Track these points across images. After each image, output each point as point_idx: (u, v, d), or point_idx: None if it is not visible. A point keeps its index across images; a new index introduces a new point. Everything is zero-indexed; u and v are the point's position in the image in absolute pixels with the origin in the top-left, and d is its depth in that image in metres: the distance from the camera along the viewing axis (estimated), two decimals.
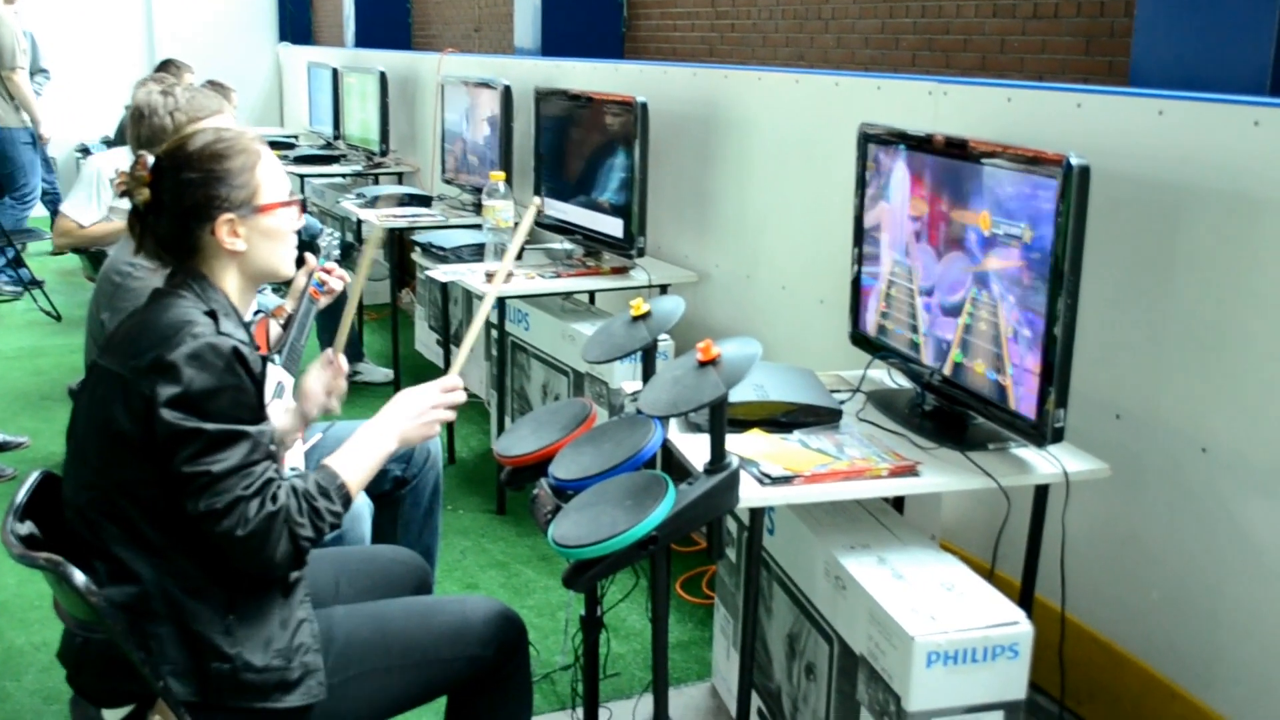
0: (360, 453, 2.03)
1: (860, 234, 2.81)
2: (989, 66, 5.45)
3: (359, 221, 5.71)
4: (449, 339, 5.34)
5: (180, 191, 1.96)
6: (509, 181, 5.20)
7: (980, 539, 3.04)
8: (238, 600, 1.90)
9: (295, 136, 9.08)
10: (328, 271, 3.08)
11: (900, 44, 6.10)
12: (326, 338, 5.60)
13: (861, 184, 2.78)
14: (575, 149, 4.40)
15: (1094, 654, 2.72)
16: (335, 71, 7.85)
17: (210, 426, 1.79)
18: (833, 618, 2.29)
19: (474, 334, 2.37)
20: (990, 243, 2.31)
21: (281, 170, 2.09)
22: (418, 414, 2.13)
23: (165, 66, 6.41)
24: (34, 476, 2.07)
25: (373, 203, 5.71)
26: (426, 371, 5.68)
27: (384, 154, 7.05)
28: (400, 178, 7.17)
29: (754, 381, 2.55)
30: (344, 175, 7.26)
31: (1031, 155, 2.19)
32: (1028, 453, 2.35)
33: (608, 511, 2.00)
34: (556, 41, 8.44)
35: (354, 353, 5.66)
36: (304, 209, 2.14)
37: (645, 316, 2.44)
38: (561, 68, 5.52)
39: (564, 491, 2.17)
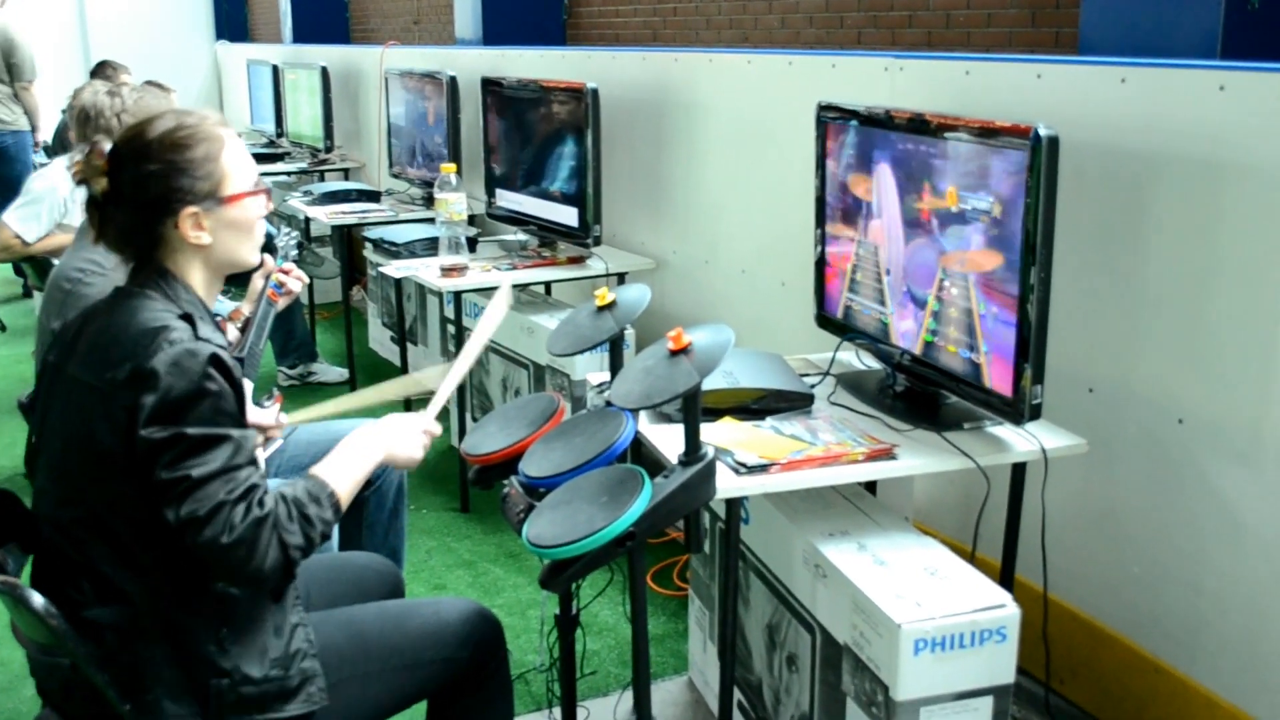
0: (348, 462, 1.93)
1: (822, 215, 2.76)
2: (935, 42, 5.42)
3: (307, 219, 5.59)
4: (404, 335, 5.24)
5: (140, 183, 1.83)
6: (459, 173, 5.12)
7: (953, 519, 3.00)
8: (229, 612, 1.81)
9: (238, 134, 8.91)
10: (285, 272, 2.99)
11: (846, 22, 6.05)
12: (279, 339, 5.50)
13: (821, 164, 2.73)
14: (525, 138, 4.31)
15: (1075, 632, 2.69)
16: (275, 68, 7.71)
17: (191, 430, 1.69)
18: (814, 607, 2.24)
19: (457, 378, 2.30)
20: (958, 218, 2.26)
21: (247, 154, 1.96)
22: (407, 435, 2.06)
23: (101, 69, 6.26)
24: None
25: (322, 200, 5.60)
26: (382, 369, 5.59)
27: (329, 150, 6.93)
28: (346, 173, 7.05)
29: (724, 369, 2.49)
30: (289, 173, 7.12)
31: (996, 128, 2.14)
32: (1003, 430, 2.31)
33: (583, 509, 1.93)
34: (498, 31, 8.33)
35: (307, 353, 5.55)
36: (270, 196, 2.03)
37: (611, 306, 2.37)
38: (507, 56, 5.43)
39: (536, 489, 2.10)
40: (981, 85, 2.77)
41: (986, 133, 2.17)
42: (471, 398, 4.45)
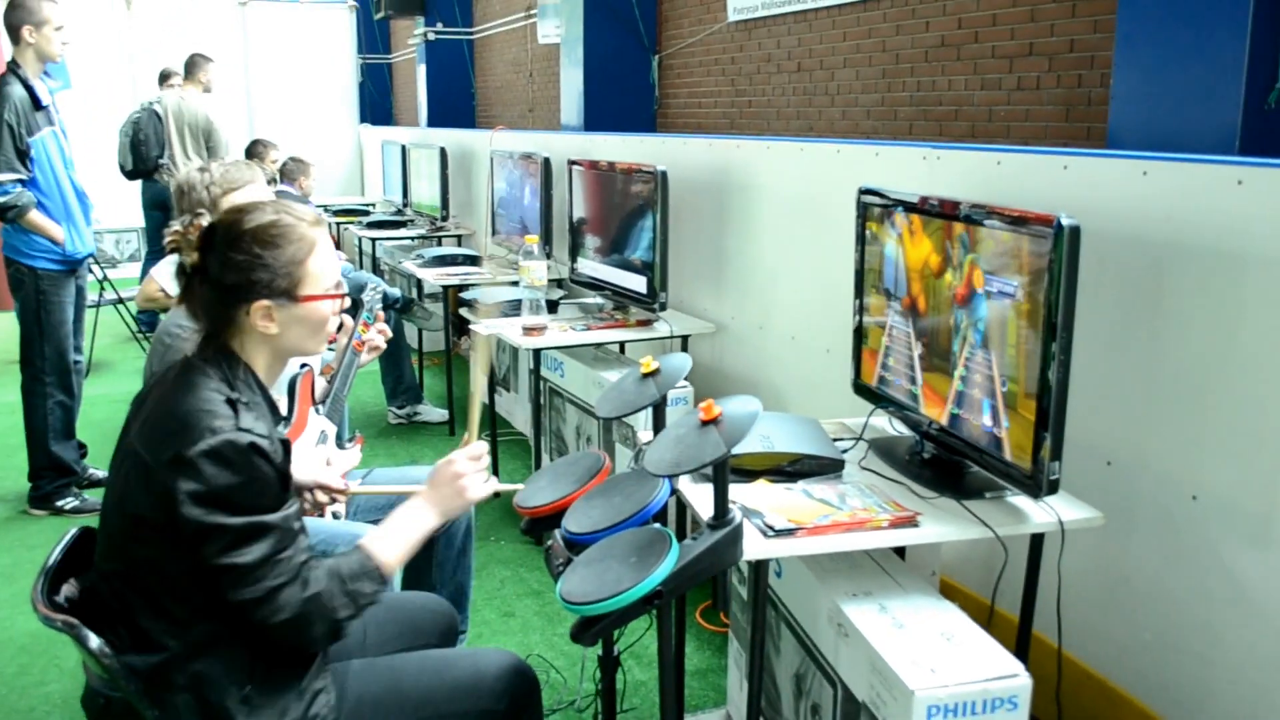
0: (400, 532, 1.81)
1: (860, 288, 2.57)
2: (978, 134, 5.22)
3: (419, 280, 5.53)
4: (495, 383, 5.14)
5: (225, 267, 1.71)
6: (548, 242, 5.02)
7: (978, 574, 2.77)
8: (258, 670, 1.67)
9: (372, 204, 8.96)
10: (368, 327, 2.87)
11: (898, 115, 5.87)
12: (389, 382, 5.42)
13: (861, 241, 2.54)
14: (604, 213, 4.18)
15: (1088, 689, 2.44)
16: (404, 148, 7.72)
17: (233, 521, 1.56)
18: (836, 663, 2.03)
19: (476, 406, 2.13)
20: (983, 299, 2.06)
21: (333, 258, 1.82)
22: (452, 488, 1.90)
23: (254, 146, 6.28)
24: (71, 533, 1.85)
25: (432, 263, 5.54)
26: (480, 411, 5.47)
27: (444, 219, 6.89)
28: (459, 240, 7.00)
29: (760, 432, 2.31)
30: (411, 238, 7.10)
31: (1022, 216, 1.94)
32: (1023, 500, 2.09)
33: (613, 568, 1.76)
34: (597, 119, 8.31)
35: (414, 395, 5.47)
36: (344, 303, 1.88)
37: (654, 373, 2.20)
38: (595, 141, 5.32)
39: (575, 544, 1.94)
40: (1012, 175, 2.57)
41: (1013, 220, 1.97)
42: (550, 441, 4.30)
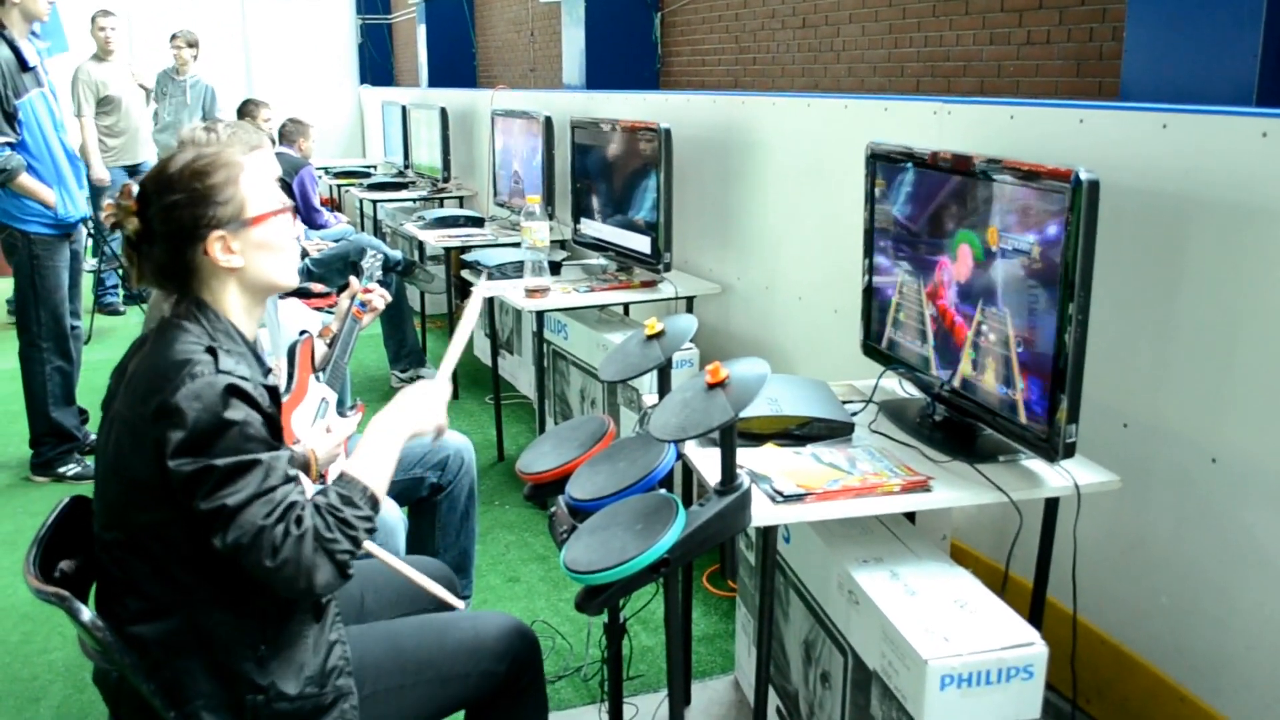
0: (375, 452, 1.70)
1: (870, 247, 2.50)
2: (987, 90, 5.11)
3: (420, 242, 5.46)
4: (498, 345, 5.09)
5: (167, 215, 1.64)
6: (551, 203, 4.94)
7: (991, 539, 2.72)
8: (269, 629, 1.63)
9: (373, 166, 8.87)
10: (369, 291, 2.82)
11: (906, 71, 5.76)
12: (392, 345, 5.37)
13: (871, 199, 2.47)
14: (606, 173, 4.10)
15: (1103, 654, 2.40)
16: (404, 109, 7.62)
17: (219, 461, 1.51)
18: (847, 631, 1.99)
19: (459, 342, 2.04)
20: (998, 256, 2.00)
21: (270, 179, 1.76)
22: (425, 406, 1.80)
23: (245, 106, 6.19)
24: (64, 503, 1.81)
25: (433, 225, 5.47)
26: (482, 374, 5.43)
27: (446, 180, 6.80)
28: (461, 201, 6.92)
29: (768, 395, 2.26)
30: (412, 200, 7.01)
31: (1038, 170, 1.87)
32: (1038, 464, 2.03)
33: (618, 536, 1.72)
34: (600, 78, 8.19)
35: (417, 359, 5.41)
36: (296, 215, 1.82)
37: (659, 335, 2.15)
38: (597, 99, 5.24)
39: (579, 511, 1.89)
40: (1025, 129, 2.49)
41: (1028, 175, 1.90)
42: (554, 405, 4.25)
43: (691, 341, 3.71)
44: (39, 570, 1.66)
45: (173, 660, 1.60)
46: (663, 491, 1.84)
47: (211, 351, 1.58)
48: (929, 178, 2.22)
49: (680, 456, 2.08)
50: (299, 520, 1.54)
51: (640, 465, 1.91)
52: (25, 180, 4.00)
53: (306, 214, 6.17)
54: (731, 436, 1.76)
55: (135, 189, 1.70)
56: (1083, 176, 1.76)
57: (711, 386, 1.76)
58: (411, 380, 5.37)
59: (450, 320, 5.57)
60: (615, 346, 2.25)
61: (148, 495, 1.55)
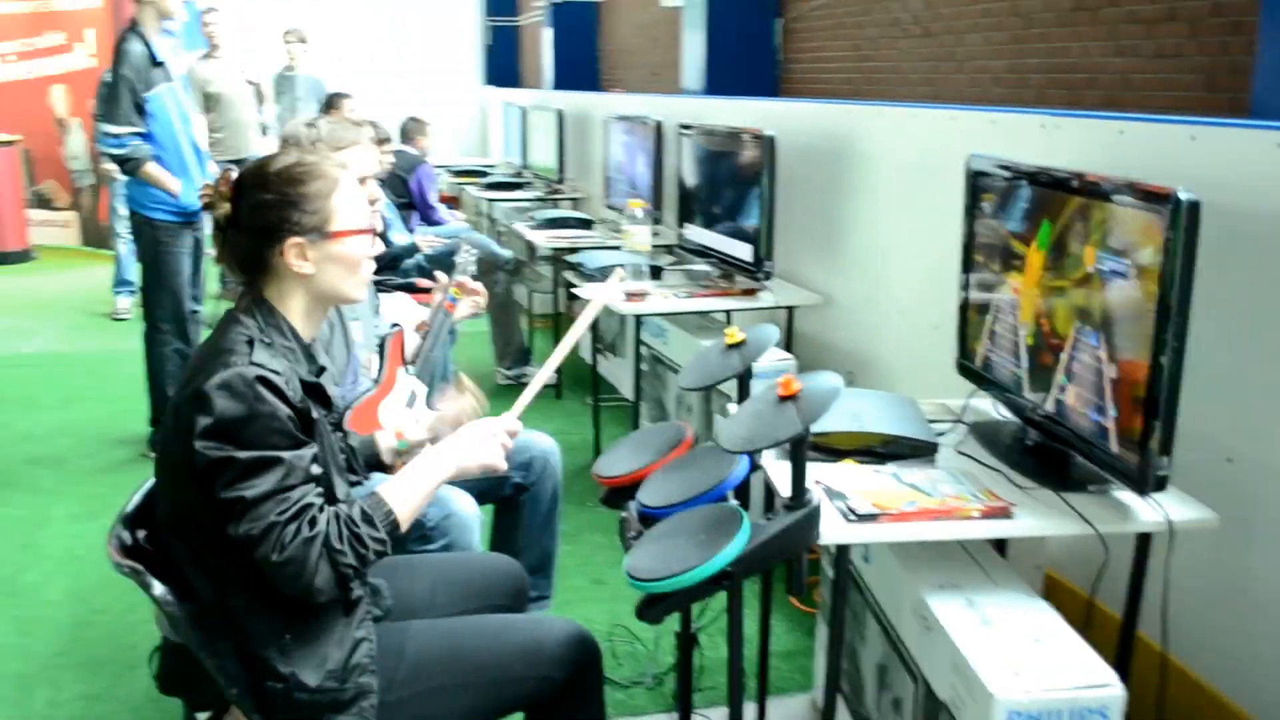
0: (414, 481, 1.75)
1: (968, 262, 2.43)
2: (1112, 103, 4.94)
3: (530, 242, 5.53)
4: (600, 348, 5.11)
5: (255, 211, 1.72)
6: (659, 207, 4.94)
7: (1088, 572, 2.61)
8: (295, 620, 1.67)
9: (492, 166, 9.01)
10: (460, 286, 2.85)
11: (1029, 83, 5.61)
12: (499, 343, 5.43)
13: (970, 214, 2.40)
14: (712, 178, 4.08)
15: (1198, 701, 2.28)
16: (523, 110, 7.72)
17: (241, 454, 1.56)
18: (919, 658, 1.93)
19: (536, 386, 2.06)
20: (1094, 278, 1.91)
21: (361, 198, 1.82)
22: (480, 444, 1.84)
23: (331, 100, 6.37)
24: (146, 485, 1.88)
25: (543, 225, 5.52)
26: (586, 375, 5.45)
27: (560, 182, 6.87)
28: (575, 203, 6.98)
29: (851, 410, 2.21)
30: (527, 200, 7.10)
31: (1137, 188, 1.79)
32: (1130, 496, 1.94)
33: (681, 545, 1.70)
34: (718, 83, 8.18)
35: (523, 357, 5.47)
36: (379, 237, 1.88)
37: (739, 345, 2.12)
38: (708, 104, 5.22)
39: (649, 517, 1.88)
40: (1135, 145, 2.38)
41: (1127, 193, 1.82)
42: (651, 409, 4.25)
43: (790, 352, 3.67)
44: (120, 545, 1.73)
45: (208, 640, 1.65)
46: (733, 503, 1.82)
47: (251, 343, 1.64)
48: (1026, 193, 2.15)
49: (757, 468, 2.05)
50: (312, 522, 1.59)
51: (712, 475, 1.89)
52: (151, 168, 4.20)
53: (422, 210, 6.31)
54: (802, 451, 1.73)
55: (234, 176, 1.76)
56: (1183, 197, 1.68)
57: (783, 399, 1.73)
58: (517, 378, 5.43)
59: (556, 321, 5.60)
60: (697, 354, 2.23)
61: (182, 478, 1.61)
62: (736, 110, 4.85)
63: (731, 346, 2.13)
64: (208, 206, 1.75)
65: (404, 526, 1.68)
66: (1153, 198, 1.74)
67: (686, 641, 2.21)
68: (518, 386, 5.40)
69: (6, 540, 3.64)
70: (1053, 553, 2.56)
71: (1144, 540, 1.94)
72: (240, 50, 7.59)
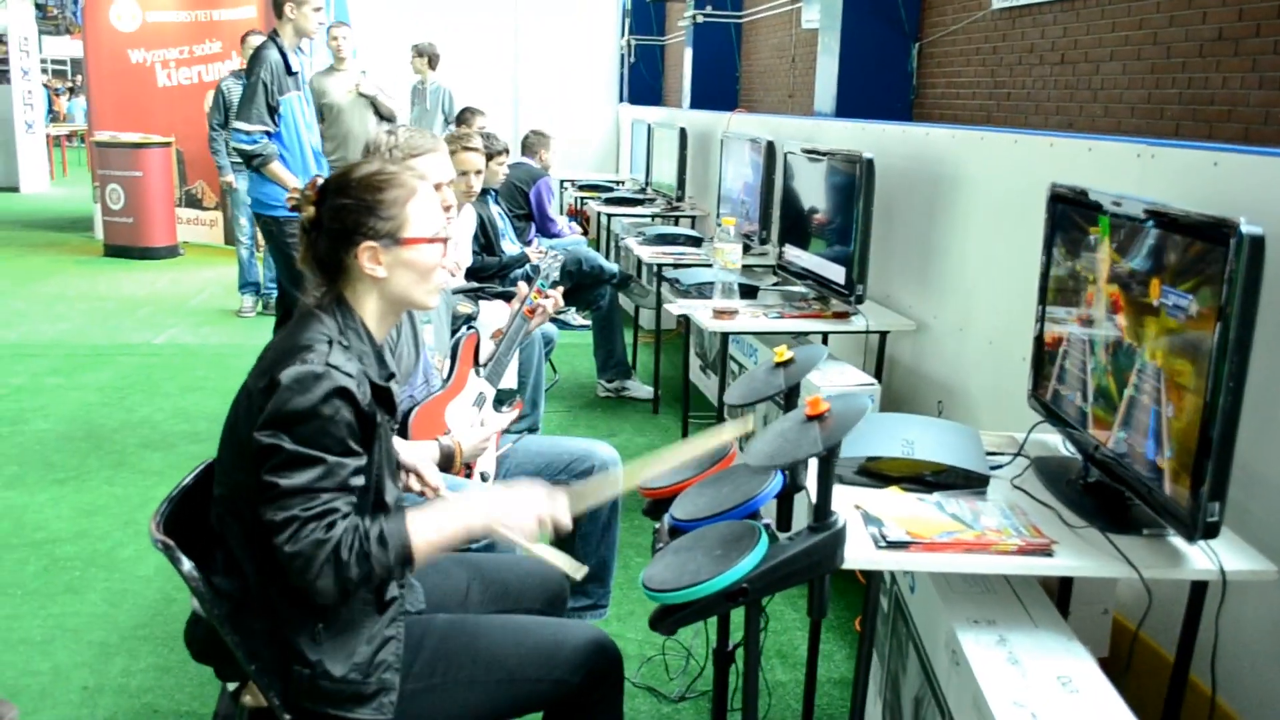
0: (443, 520, 1.74)
1: (1045, 292, 2.36)
2: (1252, 138, 4.73)
3: (638, 257, 5.59)
4: (708, 365, 5.11)
5: (335, 214, 1.81)
6: (767, 227, 4.93)
7: (1156, 620, 2.50)
8: (330, 612, 1.71)
9: (619, 181, 9.12)
10: (540, 294, 2.91)
11: (1165, 114, 5.41)
12: (600, 355, 5.49)
13: (1049, 243, 2.33)
14: (812, 200, 4.06)
15: None
16: (649, 127, 7.80)
17: (289, 446, 1.62)
18: (948, 693, 1.88)
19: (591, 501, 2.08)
20: (1157, 312, 1.84)
21: (437, 209, 1.88)
22: (521, 512, 1.80)
23: (463, 114, 6.57)
24: (201, 466, 1.97)
25: (652, 241, 5.57)
26: (682, 391, 5.46)
27: (679, 199, 6.91)
28: (693, 221, 7.01)
29: (904, 437, 2.17)
30: (646, 216, 7.17)
31: (1200, 220, 1.71)
32: (1184, 543, 1.85)
33: (696, 558, 1.70)
34: (851, 106, 8.11)
35: (624, 370, 5.51)
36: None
37: (787, 364, 2.11)
38: (826, 126, 5.18)
39: (678, 530, 1.88)
40: (1228, 177, 2.28)
41: (1190, 226, 1.74)
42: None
43: (877, 379, 3.62)
44: (164, 522, 1.81)
45: (241, 618, 1.71)
46: (755, 521, 1.80)
47: (330, 343, 1.70)
48: (1099, 222, 2.08)
49: (799, 489, 2.03)
50: (330, 526, 1.62)
51: (742, 491, 1.88)
52: (276, 166, 4.52)
53: (540, 222, 6.43)
54: (829, 471, 1.71)
55: (320, 181, 1.86)
56: (1244, 230, 1.60)
57: (809, 419, 1.71)
58: (617, 391, 5.48)
59: (657, 336, 5.63)
60: (745, 373, 2.22)
61: (243, 459, 1.68)
62: (852, 133, 4.81)
63: (779, 365, 2.11)
64: (295, 209, 1.84)
65: (417, 562, 1.69)
66: (1214, 229, 1.67)
67: (723, 659, 2.21)
68: (616, 400, 5.48)
69: (111, 516, 3.85)
70: (1123, 598, 2.46)
71: (1198, 588, 1.85)
72: (359, 65, 7.89)
